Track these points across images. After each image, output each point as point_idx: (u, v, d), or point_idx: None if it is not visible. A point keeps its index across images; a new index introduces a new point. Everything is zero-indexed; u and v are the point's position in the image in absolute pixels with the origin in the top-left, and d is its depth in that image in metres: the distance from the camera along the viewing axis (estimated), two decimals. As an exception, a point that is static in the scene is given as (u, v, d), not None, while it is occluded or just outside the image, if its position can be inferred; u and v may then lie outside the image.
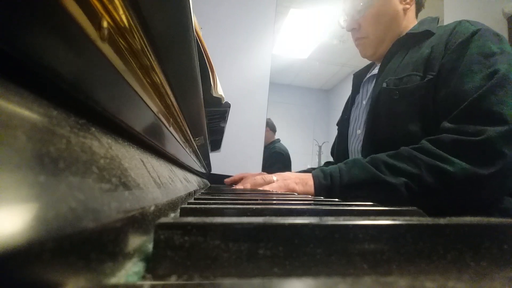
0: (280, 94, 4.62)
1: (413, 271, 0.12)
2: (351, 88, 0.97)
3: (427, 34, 0.74)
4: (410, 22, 0.83)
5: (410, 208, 0.23)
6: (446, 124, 0.61)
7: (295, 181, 0.68)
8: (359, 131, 0.84)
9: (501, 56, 0.60)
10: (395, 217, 0.13)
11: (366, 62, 0.97)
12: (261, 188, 0.67)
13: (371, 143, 0.76)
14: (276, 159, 2.34)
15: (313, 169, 0.74)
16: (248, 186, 0.70)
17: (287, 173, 0.72)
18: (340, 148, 0.94)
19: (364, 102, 0.86)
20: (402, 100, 0.70)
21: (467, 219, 0.14)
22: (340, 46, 3.44)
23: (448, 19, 2.01)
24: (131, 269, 0.12)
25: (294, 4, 2.79)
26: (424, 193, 0.58)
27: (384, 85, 0.74)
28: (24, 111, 0.09)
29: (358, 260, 0.12)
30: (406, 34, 0.78)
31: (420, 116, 0.67)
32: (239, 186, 0.72)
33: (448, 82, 0.64)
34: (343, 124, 0.95)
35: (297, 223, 0.12)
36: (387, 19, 0.80)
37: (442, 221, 0.13)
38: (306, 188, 0.67)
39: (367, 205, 0.26)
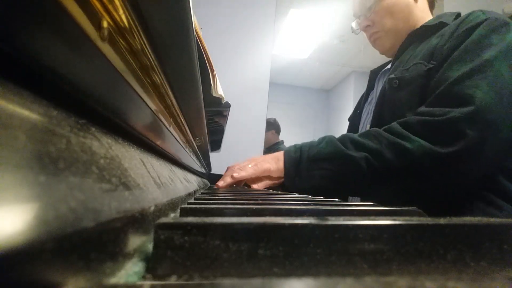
0: (280, 94, 4.62)
1: (413, 271, 0.12)
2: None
3: (441, 25, 0.72)
4: (424, 13, 0.82)
5: (410, 208, 0.23)
6: (420, 109, 0.61)
7: (268, 160, 0.69)
8: (368, 126, 0.83)
9: (496, 46, 0.58)
10: (395, 217, 0.13)
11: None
12: (236, 175, 0.67)
13: None
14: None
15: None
16: (222, 182, 0.68)
17: (260, 156, 0.72)
18: None
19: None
20: (402, 89, 0.69)
21: (467, 219, 0.14)
22: (340, 46, 3.44)
23: (448, 19, 2.00)
24: (131, 269, 0.12)
25: (294, 4, 2.79)
26: (384, 169, 0.58)
27: (392, 76, 0.72)
28: (24, 111, 0.09)
29: (358, 260, 0.12)
30: (421, 26, 0.77)
31: (419, 105, 0.65)
32: (218, 183, 0.70)
33: (439, 70, 0.63)
34: (355, 119, 0.95)
35: (297, 223, 0.12)
36: (398, 8, 0.80)
37: (442, 221, 0.13)
38: (278, 164, 0.68)
39: (367, 205, 0.26)
